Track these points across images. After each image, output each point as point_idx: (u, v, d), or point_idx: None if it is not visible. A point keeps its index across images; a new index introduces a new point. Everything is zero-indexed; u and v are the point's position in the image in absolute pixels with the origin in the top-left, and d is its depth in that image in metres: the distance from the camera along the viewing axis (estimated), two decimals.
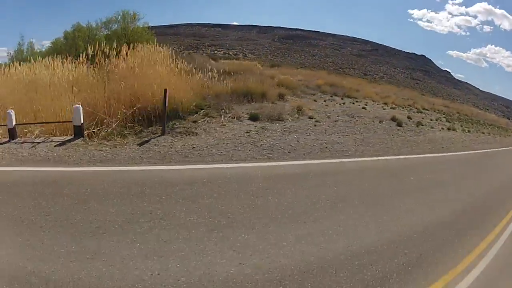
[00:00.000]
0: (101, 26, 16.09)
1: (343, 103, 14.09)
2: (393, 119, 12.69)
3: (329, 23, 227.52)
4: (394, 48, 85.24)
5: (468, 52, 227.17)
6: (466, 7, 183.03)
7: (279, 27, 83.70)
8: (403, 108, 18.32)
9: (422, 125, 13.80)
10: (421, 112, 18.78)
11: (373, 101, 17.02)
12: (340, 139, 8.47)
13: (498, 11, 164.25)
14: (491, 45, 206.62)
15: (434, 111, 22.60)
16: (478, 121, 33.37)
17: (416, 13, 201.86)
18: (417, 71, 79.88)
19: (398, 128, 11.83)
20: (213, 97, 9.26)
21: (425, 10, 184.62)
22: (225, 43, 73.88)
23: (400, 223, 4.10)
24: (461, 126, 19.58)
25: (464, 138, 15.20)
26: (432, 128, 14.27)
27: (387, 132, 10.75)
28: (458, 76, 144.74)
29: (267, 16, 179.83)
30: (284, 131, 8.14)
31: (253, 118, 8.66)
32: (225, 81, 10.42)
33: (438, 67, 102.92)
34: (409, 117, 14.62)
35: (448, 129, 15.84)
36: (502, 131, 31.02)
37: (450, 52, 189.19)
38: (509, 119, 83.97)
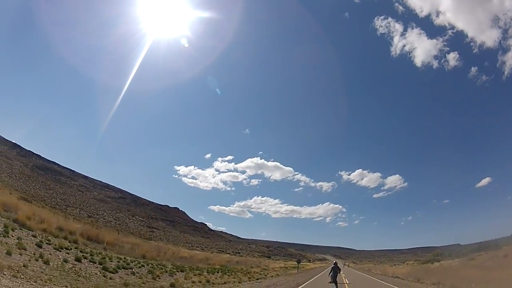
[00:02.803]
0: None
1: None
2: None
3: (90, 166, 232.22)
4: (145, 199, 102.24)
5: (232, 206, 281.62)
6: (235, 163, 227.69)
7: (39, 155, 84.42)
8: None
9: None
10: None
11: None
12: None
13: (271, 163, 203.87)
14: (257, 196, 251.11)
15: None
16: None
17: (182, 169, 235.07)
18: (159, 221, 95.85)
19: None
20: None
21: (192, 167, 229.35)
22: None
23: None
24: None
25: None
26: None
27: None
28: (220, 228, 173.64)
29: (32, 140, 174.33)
30: None
31: None
32: None
33: (192, 219, 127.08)
34: None
35: None
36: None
37: (212, 207, 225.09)
38: (269, 257, 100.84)
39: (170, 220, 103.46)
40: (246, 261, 49.13)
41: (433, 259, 49.74)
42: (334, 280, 17.35)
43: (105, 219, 68.98)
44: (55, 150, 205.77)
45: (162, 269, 19.15)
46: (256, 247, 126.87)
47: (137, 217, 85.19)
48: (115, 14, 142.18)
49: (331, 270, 18.59)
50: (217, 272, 24.87)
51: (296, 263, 46.13)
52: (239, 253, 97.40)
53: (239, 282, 19.23)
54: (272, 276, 27.38)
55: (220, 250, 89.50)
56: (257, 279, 23.09)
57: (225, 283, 17.26)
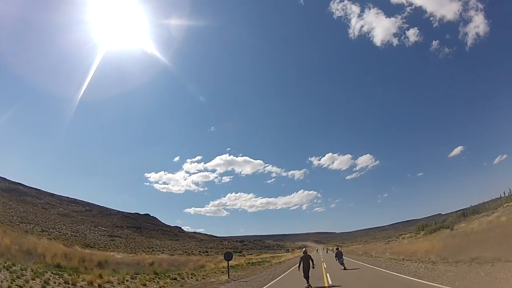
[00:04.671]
0: None
1: None
2: None
3: (62, 183, 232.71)
4: (113, 209, 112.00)
5: (207, 206, 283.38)
6: (204, 163, 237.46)
7: (4, 178, 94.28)
8: None
9: None
10: None
11: None
12: None
13: (240, 158, 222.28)
14: (231, 193, 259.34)
15: None
16: None
17: (152, 176, 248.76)
18: (125, 229, 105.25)
19: None
20: None
21: (162, 172, 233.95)
22: None
23: None
24: None
25: None
26: None
27: None
28: (198, 230, 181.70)
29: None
30: None
31: None
32: None
33: (163, 223, 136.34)
34: None
35: None
36: None
37: (188, 210, 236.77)
38: (240, 252, 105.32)
39: (137, 227, 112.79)
40: (169, 260, 35.22)
41: (441, 226, 42.52)
42: (306, 275, 13.06)
43: (60, 232, 78.38)
44: (22, 170, 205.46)
45: None
46: (229, 244, 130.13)
47: (100, 227, 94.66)
48: (67, 21, 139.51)
49: (300, 261, 13.56)
50: None
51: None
52: (207, 252, 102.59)
53: None
54: None
55: (185, 251, 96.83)
56: None
57: None
